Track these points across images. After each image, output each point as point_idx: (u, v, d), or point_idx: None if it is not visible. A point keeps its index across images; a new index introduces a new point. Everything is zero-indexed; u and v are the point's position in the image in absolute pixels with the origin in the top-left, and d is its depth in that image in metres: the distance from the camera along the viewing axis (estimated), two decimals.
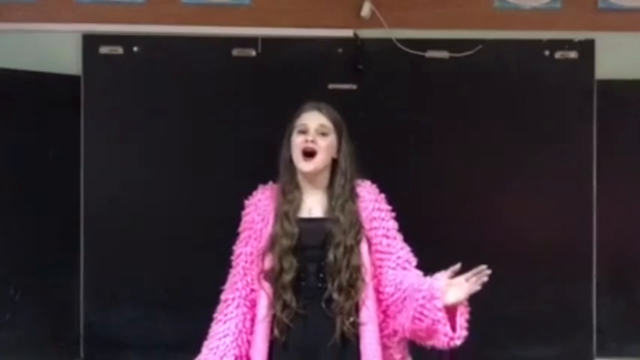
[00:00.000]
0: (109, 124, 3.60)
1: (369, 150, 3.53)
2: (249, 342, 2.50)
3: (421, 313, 2.39)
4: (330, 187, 2.57)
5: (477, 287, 2.36)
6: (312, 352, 2.46)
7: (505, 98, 3.62)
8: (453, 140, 3.60)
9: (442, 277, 2.39)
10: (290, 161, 2.57)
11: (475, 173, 3.59)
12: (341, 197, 2.54)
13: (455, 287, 2.37)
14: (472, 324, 3.58)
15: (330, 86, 3.58)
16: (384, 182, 3.54)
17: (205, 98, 3.59)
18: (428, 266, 3.46)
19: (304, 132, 2.54)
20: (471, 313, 2.43)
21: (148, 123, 3.59)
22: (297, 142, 2.53)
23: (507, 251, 3.56)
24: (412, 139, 3.61)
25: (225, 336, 2.50)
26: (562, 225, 3.58)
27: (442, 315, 2.35)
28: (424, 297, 2.38)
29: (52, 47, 3.59)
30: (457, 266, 2.39)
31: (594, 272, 3.58)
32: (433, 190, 3.59)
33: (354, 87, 3.60)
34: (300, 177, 2.58)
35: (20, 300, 3.43)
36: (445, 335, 2.36)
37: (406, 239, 2.49)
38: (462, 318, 2.38)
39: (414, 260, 2.58)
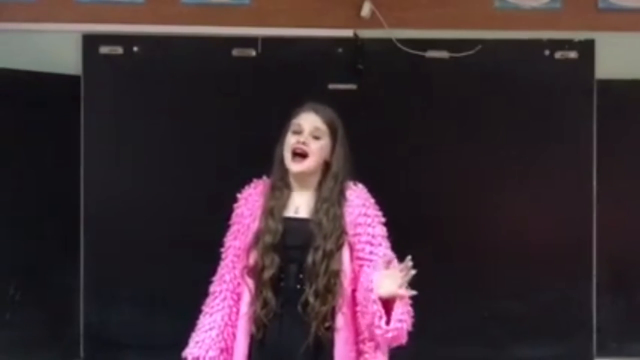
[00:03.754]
0: (109, 124, 3.60)
1: (369, 150, 3.58)
2: (234, 335, 2.49)
3: (365, 306, 2.35)
4: (319, 188, 2.54)
5: (408, 278, 2.24)
6: (286, 353, 2.43)
7: (505, 98, 3.62)
8: (453, 140, 3.60)
9: (377, 269, 2.33)
10: (283, 159, 2.54)
11: (475, 173, 3.59)
12: (328, 200, 2.49)
13: (390, 278, 2.29)
14: (473, 324, 3.60)
15: (330, 86, 3.58)
16: (384, 182, 3.56)
17: (205, 98, 3.59)
18: (428, 266, 3.45)
19: (298, 132, 2.52)
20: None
21: (148, 123, 3.59)
22: (290, 142, 2.51)
23: (507, 251, 3.57)
24: (412, 139, 3.61)
25: (211, 329, 2.49)
26: (562, 225, 3.58)
27: (376, 308, 2.29)
28: (365, 290, 2.34)
29: (52, 47, 3.59)
30: (395, 261, 2.30)
31: (594, 272, 3.58)
32: (433, 190, 3.58)
33: (354, 87, 3.60)
34: (290, 176, 2.55)
35: (20, 300, 3.43)
36: (379, 328, 2.29)
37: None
38: (398, 311, 2.28)
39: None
